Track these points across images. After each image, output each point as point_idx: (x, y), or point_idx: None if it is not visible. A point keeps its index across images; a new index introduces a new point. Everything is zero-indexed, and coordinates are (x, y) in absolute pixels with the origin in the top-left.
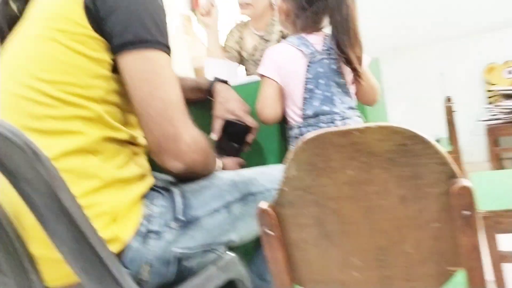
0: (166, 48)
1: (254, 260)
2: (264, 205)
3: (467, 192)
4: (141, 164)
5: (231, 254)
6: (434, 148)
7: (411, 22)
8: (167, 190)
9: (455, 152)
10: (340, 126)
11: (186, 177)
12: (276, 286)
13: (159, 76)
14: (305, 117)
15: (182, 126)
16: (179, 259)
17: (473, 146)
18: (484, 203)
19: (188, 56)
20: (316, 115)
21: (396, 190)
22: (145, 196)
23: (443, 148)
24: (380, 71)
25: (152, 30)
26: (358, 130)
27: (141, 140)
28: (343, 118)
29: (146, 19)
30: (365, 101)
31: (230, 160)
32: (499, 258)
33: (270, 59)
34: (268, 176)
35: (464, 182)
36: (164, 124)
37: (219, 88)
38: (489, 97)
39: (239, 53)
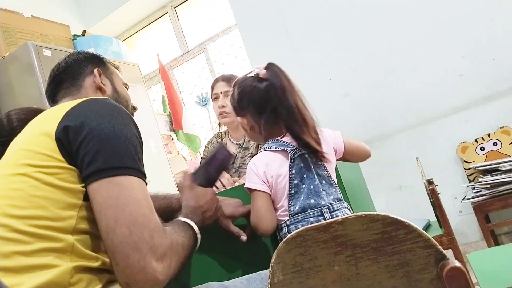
0: (139, 173)
1: None
2: None
3: (459, 274)
4: None
5: None
6: (417, 231)
7: (379, 115)
8: None
9: (449, 234)
10: (328, 219)
11: None
12: None
13: (125, 199)
14: (292, 214)
15: (150, 254)
16: None
17: (465, 226)
18: (486, 284)
19: (170, 173)
20: (303, 209)
21: (387, 282)
22: None
23: (434, 232)
24: (359, 164)
25: (123, 157)
26: (337, 222)
27: None
28: (332, 211)
29: (118, 147)
30: (358, 160)
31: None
32: None
33: (255, 171)
34: (256, 283)
35: (454, 263)
36: (130, 253)
37: None
38: (469, 175)
39: None
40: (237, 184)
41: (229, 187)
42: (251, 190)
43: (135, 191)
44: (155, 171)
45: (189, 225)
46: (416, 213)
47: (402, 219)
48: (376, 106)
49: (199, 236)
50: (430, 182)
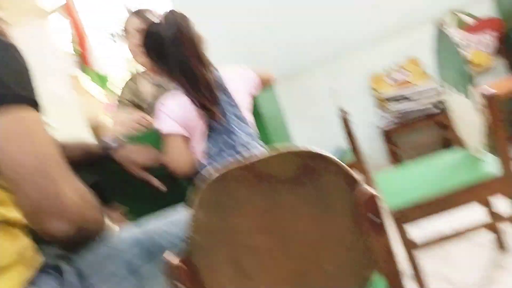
0: (32, 102)
1: None
2: (172, 258)
3: (371, 199)
4: (21, 245)
5: None
6: (334, 163)
7: (295, 49)
8: (59, 269)
9: (359, 161)
10: (245, 156)
11: (77, 242)
12: None
13: (27, 131)
14: (210, 155)
15: (62, 181)
16: None
17: (374, 150)
18: (391, 199)
19: (81, 116)
20: (221, 150)
21: (306, 212)
22: (31, 283)
23: (347, 159)
24: (277, 98)
25: (10, 84)
26: (258, 158)
27: (17, 216)
28: (248, 149)
29: (1, 74)
30: (267, 87)
31: (113, 212)
32: (412, 247)
33: (167, 113)
34: (180, 225)
35: (368, 189)
36: (41, 182)
37: (119, 154)
38: (379, 103)
39: (138, 105)
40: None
41: (143, 128)
42: (164, 133)
43: (35, 123)
44: (62, 113)
45: None
46: (332, 143)
47: (322, 152)
48: (292, 40)
49: None
50: (343, 111)
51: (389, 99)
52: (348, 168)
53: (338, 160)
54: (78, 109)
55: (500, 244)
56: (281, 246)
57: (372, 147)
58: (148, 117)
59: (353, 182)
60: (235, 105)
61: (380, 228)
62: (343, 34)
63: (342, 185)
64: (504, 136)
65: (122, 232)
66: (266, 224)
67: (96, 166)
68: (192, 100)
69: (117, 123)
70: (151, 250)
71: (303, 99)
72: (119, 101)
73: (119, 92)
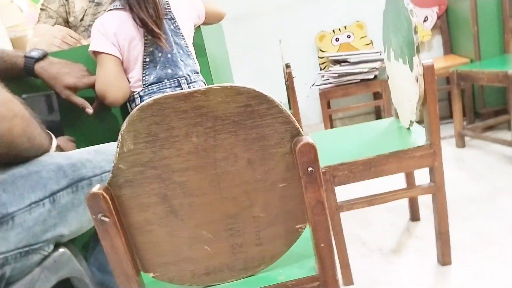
0: None
1: (93, 252)
2: (95, 188)
3: (310, 149)
4: None
5: (62, 250)
6: (278, 107)
7: None
8: None
9: (296, 115)
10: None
11: (2, 155)
12: (119, 279)
13: None
14: (147, 84)
15: None
16: None
17: (309, 109)
18: (322, 159)
19: (2, 25)
20: (159, 79)
21: (243, 154)
22: None
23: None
24: (224, 37)
25: None
26: (200, 92)
27: None
28: (189, 82)
29: None
30: (214, 22)
31: (64, 139)
32: (336, 209)
33: (102, 32)
34: (106, 155)
35: (306, 139)
36: None
37: (41, 67)
38: (321, 64)
39: (65, 19)
40: (83, 43)
41: (66, 46)
42: (97, 53)
43: None
44: None
45: None
46: (271, 93)
47: (266, 93)
48: None
49: None
50: (287, 65)
51: (330, 60)
52: (290, 115)
53: (281, 104)
54: None
55: (414, 213)
56: (214, 187)
57: (309, 106)
58: (74, 33)
59: (293, 129)
60: (181, 36)
61: (315, 179)
62: None
63: (282, 131)
64: (436, 108)
65: (46, 156)
66: (201, 162)
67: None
68: (137, 21)
69: (38, 35)
70: (72, 178)
71: (249, 45)
72: (42, 9)
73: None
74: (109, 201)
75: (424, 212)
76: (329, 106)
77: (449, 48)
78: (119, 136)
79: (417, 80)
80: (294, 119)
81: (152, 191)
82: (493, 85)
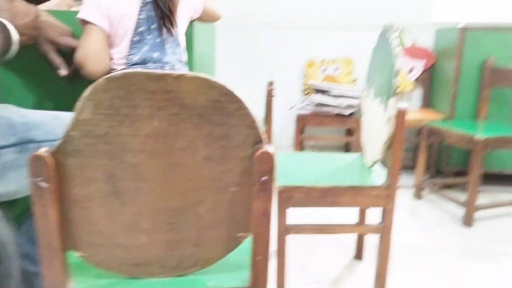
0: None
1: (27, 222)
2: (41, 150)
3: (268, 158)
4: None
5: None
6: (246, 110)
7: (250, 3)
8: None
9: (268, 132)
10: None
11: None
12: (43, 252)
13: None
14: (130, 63)
15: None
16: None
17: (283, 130)
18: (282, 179)
19: None
20: (143, 61)
21: (203, 149)
22: None
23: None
24: (215, 38)
25: None
26: (173, 76)
27: None
28: (174, 70)
29: None
30: (209, 22)
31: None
32: (285, 230)
33: (95, 2)
34: (63, 122)
35: (268, 148)
36: None
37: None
38: (304, 89)
39: None
40: (73, 9)
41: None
42: (85, 22)
43: None
44: None
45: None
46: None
47: (238, 93)
48: None
49: (14, 36)
50: (271, 83)
51: (313, 88)
52: (257, 120)
53: (251, 109)
54: None
55: (359, 251)
56: (165, 176)
57: (283, 127)
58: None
59: (257, 135)
60: (175, 26)
61: (266, 190)
62: (299, 8)
63: (246, 134)
64: (400, 152)
65: (2, 108)
66: (158, 148)
67: None
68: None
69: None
70: (21, 138)
71: (239, 54)
72: None
73: None
74: (53, 167)
75: (370, 253)
76: (302, 132)
77: (427, 102)
78: (79, 102)
79: (388, 122)
80: (261, 126)
81: (100, 167)
82: (459, 146)
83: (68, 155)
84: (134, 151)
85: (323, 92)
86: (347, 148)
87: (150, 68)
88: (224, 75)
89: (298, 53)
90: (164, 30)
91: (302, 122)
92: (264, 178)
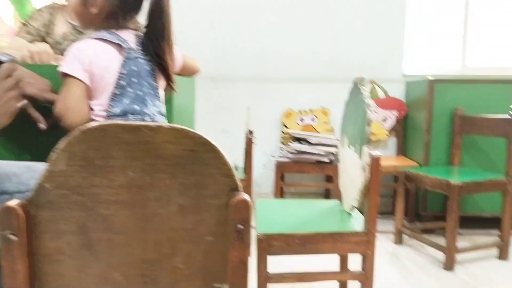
0: None
1: None
2: (12, 202)
3: (245, 206)
4: None
5: None
6: (222, 158)
7: (227, 56)
8: None
9: (248, 181)
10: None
11: None
12: None
13: None
14: (111, 115)
15: None
16: None
17: (263, 178)
18: (261, 227)
19: None
20: (124, 113)
21: (177, 199)
22: None
23: (238, 174)
24: (195, 91)
25: None
26: (149, 127)
27: None
28: (153, 122)
29: None
30: (188, 75)
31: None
32: (265, 279)
33: (77, 56)
34: (36, 173)
35: (243, 196)
36: None
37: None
38: (283, 138)
39: (44, 38)
40: (56, 62)
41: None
42: (66, 75)
43: None
44: None
45: None
46: (229, 156)
47: (213, 143)
48: (229, 45)
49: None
50: (250, 132)
51: (292, 136)
52: (233, 169)
53: (226, 157)
54: None
55: None
56: (138, 227)
57: (263, 175)
58: (50, 51)
59: (233, 183)
60: (154, 76)
61: (242, 238)
62: (277, 62)
63: (222, 183)
64: (377, 198)
65: None
66: (131, 198)
67: None
68: (154, 47)
69: (13, 47)
70: None
71: (219, 105)
72: (23, 24)
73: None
74: (23, 220)
75: None
76: (282, 179)
77: (402, 150)
78: (53, 154)
79: (364, 169)
80: (236, 174)
81: (72, 219)
82: (435, 191)
83: (40, 206)
84: (107, 202)
85: (302, 140)
86: (327, 194)
87: (130, 120)
88: (203, 126)
89: (276, 104)
90: (146, 84)
91: (282, 169)
92: (240, 227)
